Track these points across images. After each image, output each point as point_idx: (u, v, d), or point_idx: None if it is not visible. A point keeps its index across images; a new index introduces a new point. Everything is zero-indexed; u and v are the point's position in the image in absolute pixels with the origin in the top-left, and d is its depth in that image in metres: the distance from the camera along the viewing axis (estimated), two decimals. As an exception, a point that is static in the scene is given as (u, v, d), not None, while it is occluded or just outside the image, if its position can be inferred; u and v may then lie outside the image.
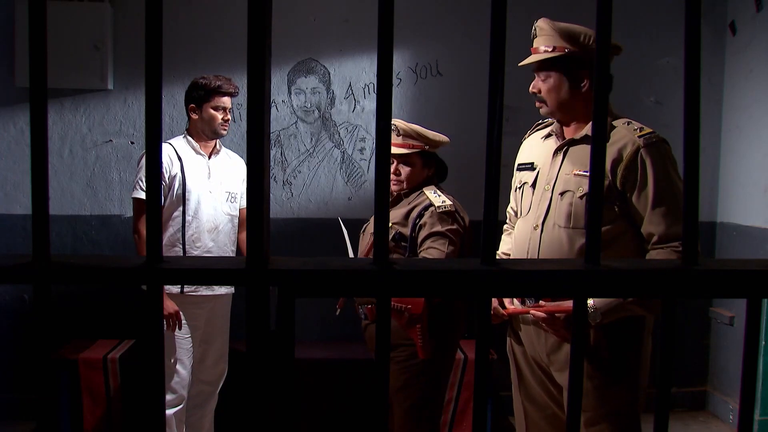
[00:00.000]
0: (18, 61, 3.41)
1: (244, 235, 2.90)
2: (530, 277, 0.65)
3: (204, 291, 2.81)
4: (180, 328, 2.72)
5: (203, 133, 2.81)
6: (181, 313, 2.74)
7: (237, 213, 2.90)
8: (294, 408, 3.13)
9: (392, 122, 2.31)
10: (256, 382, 0.65)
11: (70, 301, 3.53)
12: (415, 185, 2.43)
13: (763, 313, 3.41)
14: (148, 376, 0.63)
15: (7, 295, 3.60)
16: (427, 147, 2.43)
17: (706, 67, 3.69)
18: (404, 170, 2.42)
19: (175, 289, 2.73)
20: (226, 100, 2.80)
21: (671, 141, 3.31)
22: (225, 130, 2.83)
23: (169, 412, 2.74)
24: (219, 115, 2.78)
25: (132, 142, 3.62)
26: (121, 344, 3.42)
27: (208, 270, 0.63)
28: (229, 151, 2.99)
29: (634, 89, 3.76)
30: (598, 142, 0.65)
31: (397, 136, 2.41)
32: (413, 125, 2.45)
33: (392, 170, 2.41)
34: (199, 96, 2.78)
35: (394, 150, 2.37)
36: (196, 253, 2.77)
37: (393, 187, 2.42)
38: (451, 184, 3.68)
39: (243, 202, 2.92)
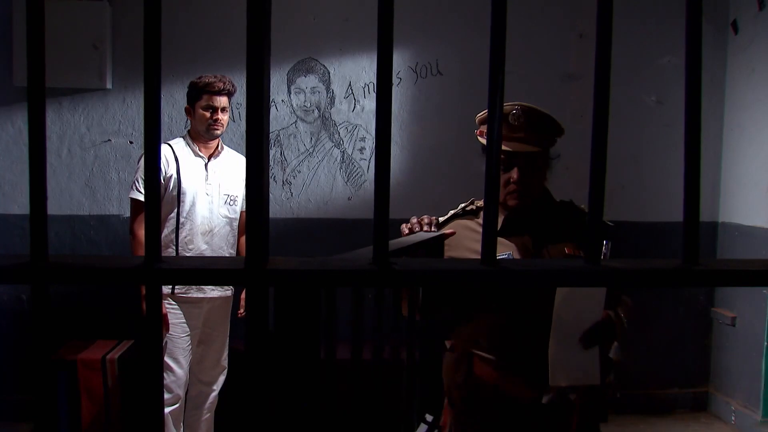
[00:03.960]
0: (16, 60, 3.40)
1: (244, 239, 2.89)
2: (531, 276, 0.64)
3: (195, 293, 2.80)
4: (168, 331, 2.72)
5: (199, 133, 2.80)
6: (170, 315, 2.74)
7: (236, 216, 2.88)
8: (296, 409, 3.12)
9: (515, 105, 1.66)
10: (255, 382, 0.64)
11: (68, 301, 3.53)
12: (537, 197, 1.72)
13: (763, 312, 3.40)
14: (145, 376, 0.62)
15: (5, 295, 3.59)
16: (558, 138, 1.73)
17: (707, 66, 3.69)
18: (526, 177, 1.66)
19: (166, 289, 2.72)
20: (217, 99, 2.74)
21: (673, 140, 3.35)
22: (217, 129, 2.78)
23: (165, 411, 2.74)
24: (207, 114, 2.74)
25: (131, 142, 3.61)
26: (120, 345, 3.41)
27: (206, 270, 0.62)
28: (234, 152, 2.95)
29: (635, 88, 3.76)
30: (599, 138, 0.64)
31: (516, 123, 1.66)
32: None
33: (514, 178, 1.66)
34: (191, 95, 2.77)
35: (515, 147, 1.64)
36: (188, 255, 2.75)
37: (511, 202, 1.68)
38: (452, 183, 3.69)
39: (245, 205, 2.91)
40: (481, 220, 1.66)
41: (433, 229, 1.61)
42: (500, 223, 1.69)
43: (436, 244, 1.50)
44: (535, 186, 1.69)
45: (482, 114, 1.76)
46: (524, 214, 1.70)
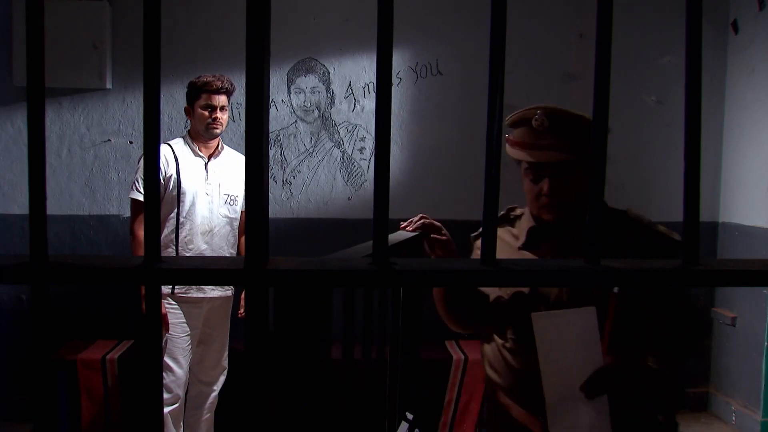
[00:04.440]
0: (16, 60, 3.40)
1: (244, 239, 2.89)
2: (530, 276, 0.64)
3: (195, 293, 2.80)
4: (167, 331, 2.72)
5: (199, 133, 2.80)
6: (170, 315, 2.74)
7: (236, 215, 2.88)
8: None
9: (537, 108, 1.46)
10: (255, 382, 0.64)
11: (68, 301, 3.52)
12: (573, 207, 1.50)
13: (763, 312, 3.40)
14: (144, 376, 0.62)
15: (5, 295, 3.59)
16: None
17: (707, 66, 3.68)
18: (558, 187, 1.47)
19: (165, 289, 2.72)
20: (216, 98, 2.74)
21: (673, 140, 3.32)
22: (216, 129, 2.77)
23: (164, 411, 2.73)
24: (206, 113, 2.74)
25: (131, 142, 3.61)
26: (120, 345, 3.41)
27: (206, 270, 0.62)
28: (234, 152, 2.95)
29: (636, 88, 3.76)
30: (599, 138, 0.64)
31: (541, 128, 1.45)
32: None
33: (545, 190, 1.47)
34: (190, 95, 2.77)
35: (541, 157, 1.45)
36: (188, 254, 2.75)
37: (546, 216, 1.51)
38: (452, 183, 3.69)
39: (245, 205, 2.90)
40: (515, 230, 1.58)
41: (412, 229, 1.55)
42: (524, 237, 1.57)
43: (415, 244, 1.50)
44: (571, 195, 1.48)
45: (512, 116, 1.51)
46: (551, 225, 1.53)
